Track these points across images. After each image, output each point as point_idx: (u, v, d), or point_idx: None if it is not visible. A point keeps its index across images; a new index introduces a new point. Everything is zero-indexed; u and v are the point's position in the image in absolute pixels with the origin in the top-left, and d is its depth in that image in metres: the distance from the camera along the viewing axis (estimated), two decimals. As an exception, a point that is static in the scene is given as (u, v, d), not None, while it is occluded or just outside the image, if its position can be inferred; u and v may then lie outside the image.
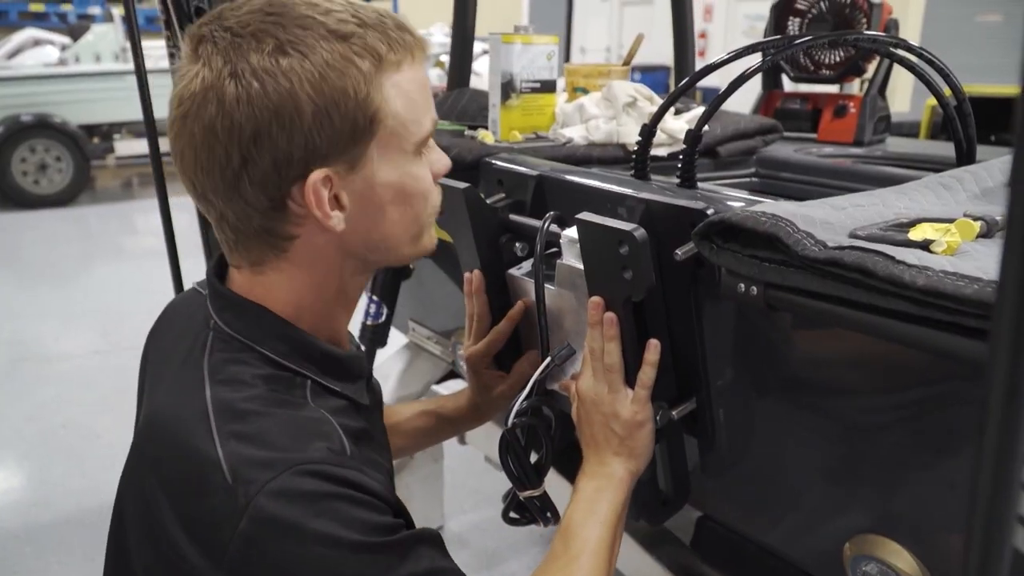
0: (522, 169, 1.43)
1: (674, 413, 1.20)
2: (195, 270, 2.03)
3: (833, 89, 2.34)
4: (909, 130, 3.47)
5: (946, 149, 2.01)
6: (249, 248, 0.96)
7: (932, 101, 3.52)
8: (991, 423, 0.45)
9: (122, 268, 6.27)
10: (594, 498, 1.12)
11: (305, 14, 0.89)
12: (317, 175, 0.89)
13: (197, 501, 0.86)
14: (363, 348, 1.19)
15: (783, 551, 1.27)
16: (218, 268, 1.05)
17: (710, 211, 1.06)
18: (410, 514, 1.01)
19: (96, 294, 5.51)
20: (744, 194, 1.25)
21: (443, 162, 1.06)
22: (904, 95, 6.72)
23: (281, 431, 0.88)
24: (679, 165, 1.27)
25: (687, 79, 1.30)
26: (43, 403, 3.81)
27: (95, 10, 11.01)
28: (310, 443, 0.88)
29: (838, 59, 2.18)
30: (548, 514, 1.27)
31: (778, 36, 2.13)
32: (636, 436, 1.15)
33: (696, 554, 1.48)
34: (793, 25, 2.26)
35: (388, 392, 2.36)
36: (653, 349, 1.14)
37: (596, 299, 1.13)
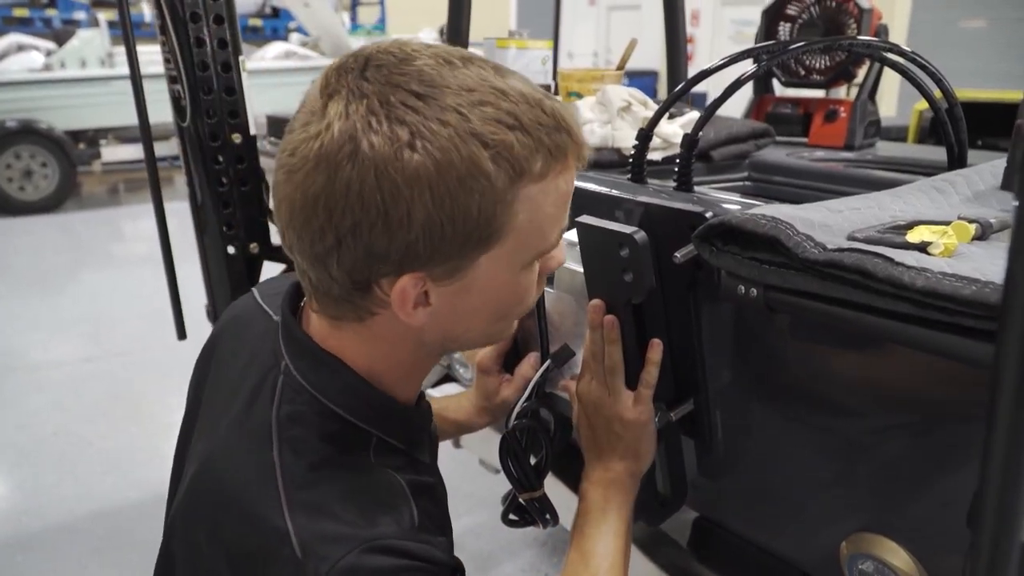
0: (520, 173, 1.44)
1: (672, 415, 1.21)
2: (188, 276, 2.04)
3: (821, 94, 2.36)
4: (897, 135, 3.49)
5: (935, 153, 2.03)
6: (329, 305, 0.90)
7: (920, 106, 3.56)
8: (999, 422, 0.46)
9: (110, 274, 6.24)
10: (604, 507, 1.13)
11: (454, 104, 0.78)
12: (409, 279, 0.83)
13: (261, 568, 0.84)
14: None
15: (780, 551, 1.28)
16: (293, 300, 1.00)
17: (709, 214, 1.07)
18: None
19: (85, 301, 5.48)
20: (740, 197, 1.26)
21: (557, 260, 0.98)
22: (890, 100, 6.78)
23: (350, 501, 0.85)
24: (676, 169, 1.28)
25: (683, 84, 1.31)
26: (34, 411, 3.79)
27: (80, 15, 10.96)
28: (380, 517, 0.85)
29: (829, 64, 2.20)
30: (547, 516, 1.28)
31: (773, 41, 2.15)
32: (641, 437, 1.16)
33: (693, 555, 1.49)
34: (784, 30, 2.28)
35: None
36: (656, 348, 1.15)
37: (597, 302, 1.14)
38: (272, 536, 0.82)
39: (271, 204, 0.89)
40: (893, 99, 7.24)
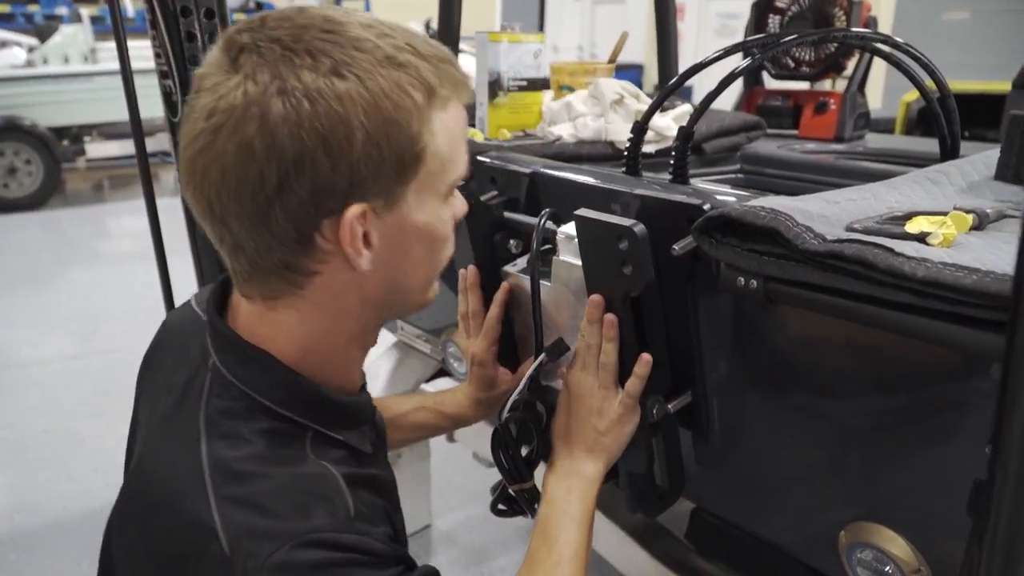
0: (515, 167, 1.45)
1: (670, 406, 1.21)
2: (180, 271, 2.03)
3: (807, 86, 2.37)
4: (884, 126, 3.51)
5: (925, 145, 2.04)
6: (265, 281, 0.90)
7: (907, 97, 3.58)
8: (1012, 411, 0.47)
9: (97, 271, 6.21)
10: (567, 498, 1.14)
11: (362, 36, 0.83)
12: (355, 210, 0.83)
13: (188, 568, 0.82)
14: (363, 377, 1.15)
15: (778, 541, 1.29)
16: (219, 298, 1.00)
17: (707, 206, 1.07)
18: (406, 539, 1.04)
19: (71, 298, 5.44)
20: (736, 190, 1.27)
21: (463, 206, 1.02)
22: (875, 92, 6.80)
23: (282, 495, 0.84)
24: (671, 161, 1.28)
25: (677, 77, 1.31)
26: (24, 409, 3.77)
27: (62, 11, 10.87)
28: (312, 509, 0.84)
29: (819, 56, 2.21)
30: (536, 507, 1.29)
31: (767, 34, 2.16)
32: (615, 434, 1.17)
33: (690, 546, 1.50)
34: (773, 23, 2.29)
35: (378, 392, 2.36)
36: (644, 364, 1.15)
37: (597, 298, 1.14)
38: (200, 533, 0.81)
39: (183, 185, 0.86)
40: (879, 91, 7.27)
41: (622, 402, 1.15)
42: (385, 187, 0.84)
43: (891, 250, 0.83)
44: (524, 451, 1.29)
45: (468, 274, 1.38)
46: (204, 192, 0.84)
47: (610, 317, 1.13)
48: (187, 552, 0.82)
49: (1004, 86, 3.26)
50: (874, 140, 2.23)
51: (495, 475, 1.30)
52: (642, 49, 11.29)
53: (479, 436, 2.14)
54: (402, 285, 0.95)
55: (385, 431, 1.19)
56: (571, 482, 1.15)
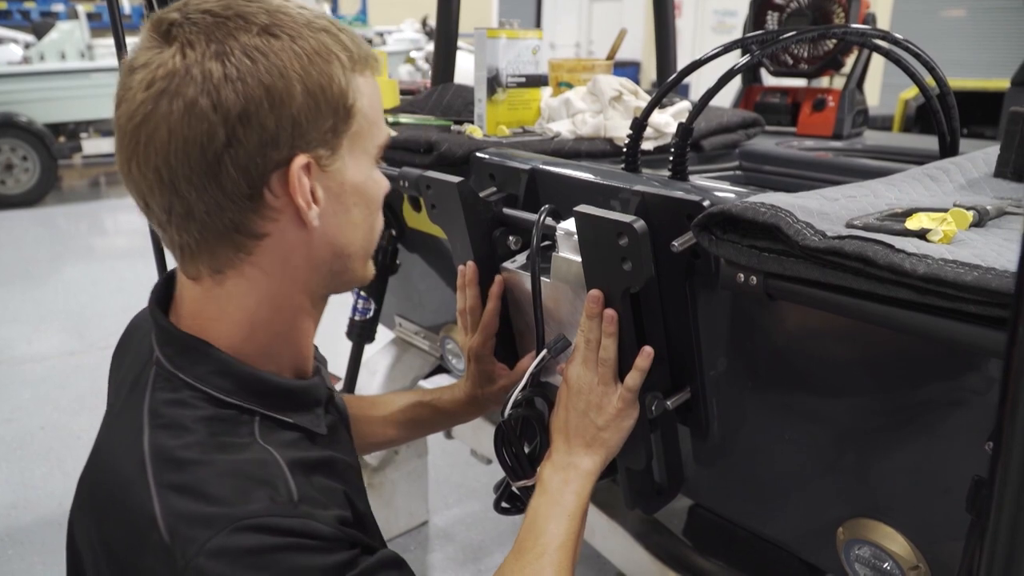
0: (514, 163, 1.44)
1: (669, 403, 1.21)
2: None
3: (804, 83, 2.38)
4: (882, 124, 3.52)
5: (923, 142, 2.05)
6: (213, 251, 0.90)
7: (905, 95, 3.58)
8: (1017, 408, 0.47)
9: (93, 268, 6.20)
10: (561, 490, 1.13)
11: (282, 7, 0.88)
12: (301, 160, 0.86)
13: (135, 558, 0.83)
14: (323, 364, 1.16)
15: (776, 537, 1.29)
16: (162, 293, 1.00)
17: (706, 203, 1.07)
18: (375, 526, 1.02)
19: (67, 295, 5.43)
20: (735, 186, 1.26)
21: (387, 183, 1.03)
22: (874, 89, 6.81)
23: (221, 481, 0.83)
24: (670, 158, 1.28)
25: (677, 74, 1.31)
26: (19, 406, 3.77)
27: (59, 7, 10.86)
28: (252, 493, 0.83)
29: (817, 53, 2.21)
30: None
31: (765, 31, 2.16)
32: (614, 429, 1.16)
33: (688, 542, 1.50)
34: (772, 20, 2.29)
35: (376, 388, 2.36)
36: (645, 356, 1.15)
37: (596, 293, 1.14)
38: (143, 522, 0.81)
39: (126, 170, 0.88)
40: (876, 88, 7.28)
41: (621, 396, 1.15)
42: (325, 137, 0.88)
43: (891, 246, 0.83)
44: (527, 448, 1.29)
45: (467, 270, 1.38)
46: (151, 161, 0.84)
47: (610, 312, 1.13)
48: (134, 542, 0.83)
49: (1002, 83, 3.26)
50: (872, 137, 2.23)
51: (492, 472, 1.30)
52: (639, 46, 11.30)
53: (477, 433, 2.14)
54: (345, 248, 0.96)
55: (348, 415, 1.20)
56: (567, 475, 1.15)
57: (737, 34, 1.62)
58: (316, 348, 1.14)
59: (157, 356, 0.94)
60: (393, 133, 1.00)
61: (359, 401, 1.55)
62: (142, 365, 0.96)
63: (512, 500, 1.33)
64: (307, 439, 0.97)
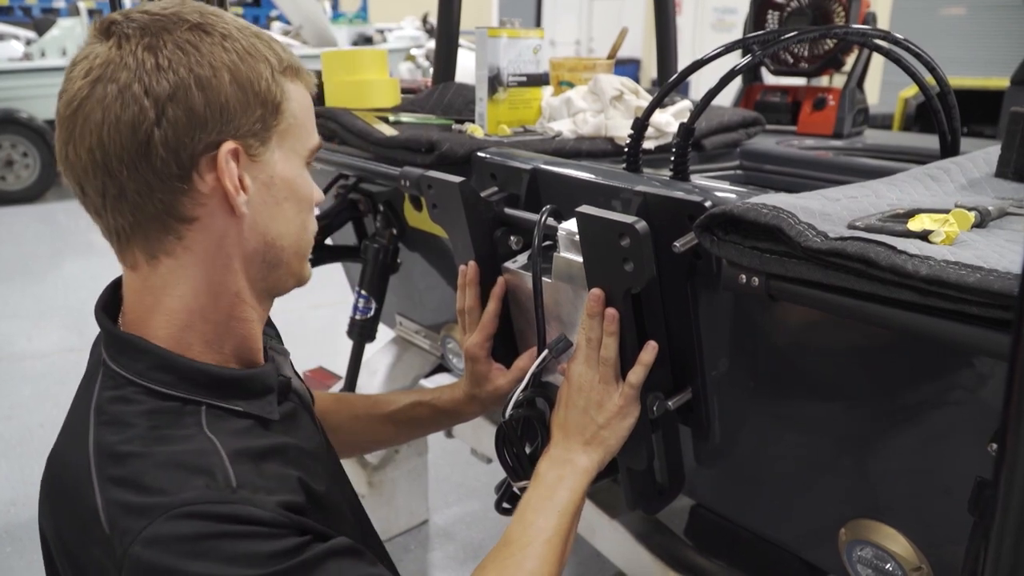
0: (516, 163, 1.44)
1: (670, 403, 1.21)
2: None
3: (804, 82, 2.37)
4: (882, 122, 3.51)
5: (923, 141, 2.04)
6: (147, 234, 0.93)
7: (905, 93, 3.58)
8: (1021, 410, 0.47)
9: (93, 264, 6.19)
10: (555, 485, 1.13)
11: (216, 12, 0.94)
12: (229, 145, 0.90)
13: (83, 552, 0.86)
14: (285, 356, 1.17)
15: (778, 538, 1.30)
16: (108, 302, 1.03)
17: (708, 203, 1.07)
18: (346, 510, 1.03)
19: (68, 291, 5.44)
20: (736, 186, 1.26)
21: (320, 192, 1.07)
22: (873, 87, 6.81)
23: (158, 472, 0.85)
24: (672, 158, 1.28)
25: (678, 74, 1.31)
26: (19, 402, 3.77)
27: (60, 4, 10.86)
28: (188, 482, 0.84)
29: (818, 52, 2.21)
30: None
31: (767, 31, 2.16)
32: (614, 428, 1.16)
33: (690, 543, 1.50)
34: (772, 19, 2.29)
35: (376, 387, 2.36)
36: (650, 350, 1.16)
37: (597, 291, 1.14)
38: (88, 515, 0.84)
39: (62, 155, 0.92)
40: (876, 86, 7.28)
41: (623, 394, 1.16)
42: (254, 128, 0.93)
43: (894, 248, 0.83)
44: (528, 449, 1.29)
45: (468, 270, 1.38)
46: (86, 141, 0.89)
47: (611, 311, 1.13)
48: (81, 536, 0.86)
49: (1001, 82, 3.26)
50: (873, 136, 2.23)
51: (493, 470, 1.30)
52: (640, 44, 11.30)
53: (477, 432, 2.14)
54: (276, 240, 0.99)
55: (310, 401, 1.20)
56: (562, 471, 1.15)
57: (737, 32, 1.62)
58: (278, 339, 1.21)
59: (103, 358, 0.97)
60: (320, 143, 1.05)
61: (359, 400, 1.56)
62: (93, 367, 0.99)
63: (513, 500, 1.33)
64: (259, 426, 0.99)
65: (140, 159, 0.88)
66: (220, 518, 0.83)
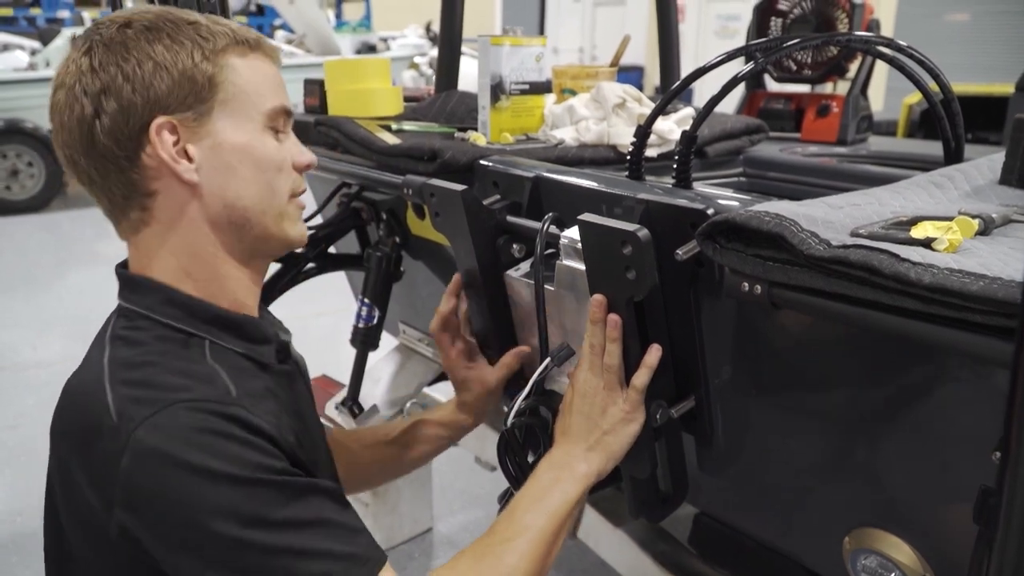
0: (518, 171, 1.44)
1: (673, 411, 1.21)
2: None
3: (807, 89, 2.37)
4: (886, 129, 3.51)
5: (927, 147, 2.04)
6: (124, 211, 1.06)
7: (909, 100, 3.57)
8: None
9: (97, 274, 6.18)
10: (550, 487, 1.13)
11: (157, 12, 1.05)
12: (159, 121, 1.01)
13: (93, 447, 0.94)
14: (284, 333, 1.24)
15: (782, 546, 1.29)
16: (125, 265, 1.14)
17: (710, 211, 1.07)
18: (321, 474, 1.06)
19: (72, 300, 5.44)
20: (739, 194, 1.26)
21: (307, 155, 1.15)
22: (877, 94, 6.81)
23: (167, 376, 0.96)
24: (674, 166, 1.28)
25: (681, 81, 1.31)
26: (24, 411, 3.77)
27: (64, 14, 10.90)
28: (194, 385, 0.96)
29: (821, 59, 2.21)
30: None
31: (770, 38, 2.16)
32: (618, 433, 1.16)
33: (693, 551, 1.49)
34: (775, 26, 2.29)
35: (380, 395, 2.35)
36: (654, 353, 1.16)
37: (599, 297, 1.14)
38: (98, 412, 0.94)
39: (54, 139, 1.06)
40: (880, 93, 7.27)
41: (628, 399, 1.16)
42: (184, 104, 1.02)
43: (897, 256, 0.82)
44: (531, 458, 1.29)
45: (452, 282, 1.45)
46: (59, 143, 1.05)
47: (613, 318, 1.13)
48: (91, 431, 0.94)
49: (1005, 88, 3.25)
50: (877, 143, 2.23)
51: (496, 478, 1.30)
52: (643, 51, 11.31)
53: (480, 440, 2.14)
54: (236, 203, 1.07)
55: (304, 368, 1.29)
56: (559, 473, 1.15)
57: (740, 38, 1.62)
58: (278, 321, 1.28)
59: (119, 303, 1.09)
60: (287, 104, 1.13)
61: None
62: (112, 314, 1.10)
63: None
64: (257, 368, 1.10)
65: (90, 148, 1.02)
66: (221, 416, 0.93)
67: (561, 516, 1.11)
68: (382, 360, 2.44)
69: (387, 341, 2.19)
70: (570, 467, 1.15)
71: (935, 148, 1.47)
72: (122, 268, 1.12)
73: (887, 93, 7.36)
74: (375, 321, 1.95)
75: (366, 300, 1.95)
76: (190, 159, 1.03)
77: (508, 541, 1.06)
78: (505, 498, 1.35)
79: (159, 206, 1.05)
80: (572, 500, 1.13)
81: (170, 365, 0.98)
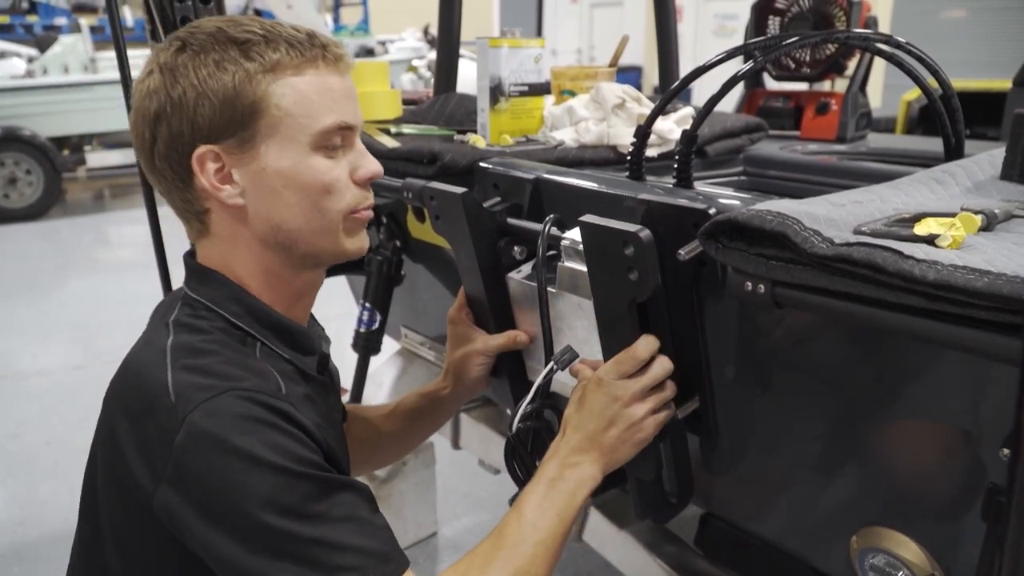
0: (518, 173, 1.44)
1: (678, 412, 1.21)
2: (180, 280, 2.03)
3: (800, 87, 2.37)
4: (885, 126, 3.51)
5: (927, 144, 2.04)
6: (187, 221, 1.13)
7: (908, 96, 3.57)
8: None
9: (97, 281, 6.20)
10: (558, 487, 1.12)
11: (217, 25, 1.06)
12: (200, 150, 1.04)
13: (148, 423, 0.98)
14: (326, 343, 1.28)
15: (788, 546, 1.28)
16: (192, 249, 1.19)
17: (712, 211, 1.07)
18: (348, 474, 1.09)
19: (72, 308, 5.44)
20: (740, 193, 1.26)
21: (369, 168, 1.14)
22: (875, 90, 6.81)
23: (224, 366, 1.01)
24: (675, 165, 1.27)
25: (680, 81, 1.31)
26: (25, 420, 3.76)
27: (61, 21, 10.89)
28: (248, 377, 1.01)
29: (820, 57, 2.20)
30: None
31: (769, 36, 2.15)
32: (629, 442, 1.15)
33: (699, 552, 1.49)
34: (773, 24, 2.28)
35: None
36: (664, 363, 1.17)
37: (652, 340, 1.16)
38: (156, 390, 0.98)
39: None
40: (878, 90, 7.27)
41: (646, 409, 1.15)
42: (227, 130, 1.04)
43: (900, 253, 0.82)
44: (537, 462, 1.28)
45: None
46: (136, 156, 1.12)
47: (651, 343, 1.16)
48: (147, 406, 0.99)
49: (1002, 84, 3.25)
50: (876, 140, 2.22)
51: (500, 481, 1.29)
52: (641, 51, 11.30)
53: (484, 443, 2.14)
54: (283, 226, 1.10)
55: (338, 381, 1.36)
56: (570, 473, 1.13)
57: (738, 37, 1.62)
58: (322, 328, 1.32)
59: (184, 291, 1.13)
60: (346, 119, 1.11)
61: (368, 407, 1.60)
62: (174, 299, 1.14)
63: None
64: (300, 376, 1.14)
65: (152, 168, 1.09)
66: (270, 408, 0.98)
67: (569, 518, 1.11)
68: (384, 365, 2.45)
69: (389, 345, 2.19)
70: (580, 467, 1.14)
71: (934, 144, 1.47)
72: (190, 257, 1.17)
73: (884, 90, 7.36)
74: (376, 325, 1.95)
75: (367, 304, 1.95)
76: (232, 182, 1.07)
77: (518, 544, 1.06)
78: (513, 501, 1.34)
79: (214, 222, 1.11)
80: (580, 502, 1.13)
81: (228, 356, 1.03)
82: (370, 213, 1.17)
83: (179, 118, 1.04)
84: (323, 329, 1.32)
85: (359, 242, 1.17)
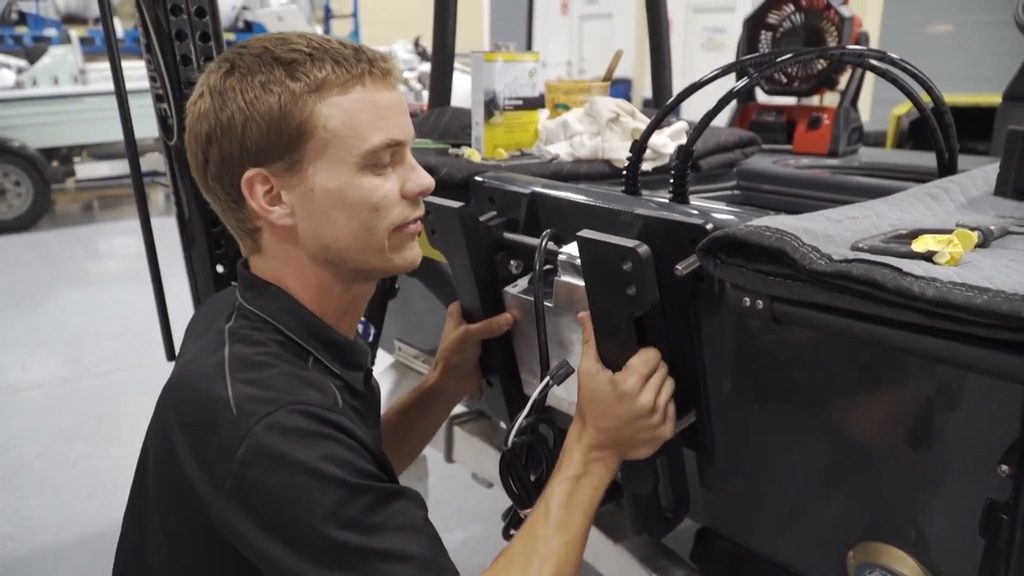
0: (514, 187, 1.44)
1: (675, 427, 1.20)
2: (172, 291, 2.02)
3: (792, 101, 2.38)
4: (874, 140, 3.52)
5: (918, 158, 2.05)
6: (241, 238, 1.16)
7: (898, 111, 3.59)
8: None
9: (87, 293, 6.18)
10: (585, 482, 1.13)
11: (264, 45, 1.07)
12: (250, 172, 1.06)
13: (208, 435, 0.99)
14: (367, 359, 1.30)
15: (785, 561, 1.28)
16: (246, 260, 1.21)
17: (710, 226, 1.07)
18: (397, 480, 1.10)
19: (62, 320, 5.41)
20: (735, 207, 1.26)
21: (419, 181, 1.14)
22: (864, 104, 6.84)
23: (282, 379, 1.03)
24: (671, 180, 1.28)
25: (674, 97, 1.31)
26: (15, 434, 3.74)
27: (51, 32, 10.86)
28: (307, 390, 1.03)
29: (811, 72, 2.22)
30: None
31: (763, 53, 2.17)
32: (639, 451, 1.16)
33: (695, 567, 1.49)
34: (765, 39, 2.30)
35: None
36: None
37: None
38: (217, 403, 0.99)
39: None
40: (867, 104, 7.31)
41: (662, 421, 1.15)
42: (274, 153, 1.06)
43: (899, 270, 0.82)
44: (533, 476, 1.28)
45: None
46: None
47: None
48: (206, 418, 1.00)
49: (991, 98, 3.27)
50: (868, 154, 2.24)
51: (493, 495, 1.29)
52: (631, 64, 11.34)
53: (477, 457, 2.13)
54: (331, 244, 1.11)
55: (379, 396, 1.38)
56: (592, 469, 1.14)
57: (727, 51, 1.64)
58: (364, 342, 1.33)
59: (239, 301, 1.15)
60: (395, 135, 1.11)
61: None
62: (227, 308, 1.15)
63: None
64: (348, 389, 1.15)
65: (206, 189, 1.13)
66: (329, 423, 0.99)
67: (593, 512, 1.14)
68: (378, 377, 2.43)
69: (383, 359, 2.18)
70: (602, 463, 1.15)
71: (926, 159, 1.48)
72: (244, 268, 1.19)
73: (873, 104, 7.40)
74: (371, 338, 1.95)
75: (361, 317, 1.94)
76: (281, 203, 1.09)
77: (549, 546, 1.08)
78: (509, 516, 1.34)
79: (265, 240, 1.13)
80: (601, 496, 1.15)
81: (285, 369, 1.05)
82: (418, 226, 1.17)
83: (229, 141, 1.05)
84: (366, 344, 1.34)
85: (409, 256, 1.17)
